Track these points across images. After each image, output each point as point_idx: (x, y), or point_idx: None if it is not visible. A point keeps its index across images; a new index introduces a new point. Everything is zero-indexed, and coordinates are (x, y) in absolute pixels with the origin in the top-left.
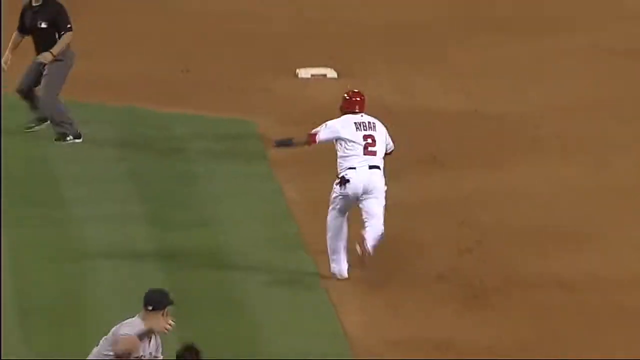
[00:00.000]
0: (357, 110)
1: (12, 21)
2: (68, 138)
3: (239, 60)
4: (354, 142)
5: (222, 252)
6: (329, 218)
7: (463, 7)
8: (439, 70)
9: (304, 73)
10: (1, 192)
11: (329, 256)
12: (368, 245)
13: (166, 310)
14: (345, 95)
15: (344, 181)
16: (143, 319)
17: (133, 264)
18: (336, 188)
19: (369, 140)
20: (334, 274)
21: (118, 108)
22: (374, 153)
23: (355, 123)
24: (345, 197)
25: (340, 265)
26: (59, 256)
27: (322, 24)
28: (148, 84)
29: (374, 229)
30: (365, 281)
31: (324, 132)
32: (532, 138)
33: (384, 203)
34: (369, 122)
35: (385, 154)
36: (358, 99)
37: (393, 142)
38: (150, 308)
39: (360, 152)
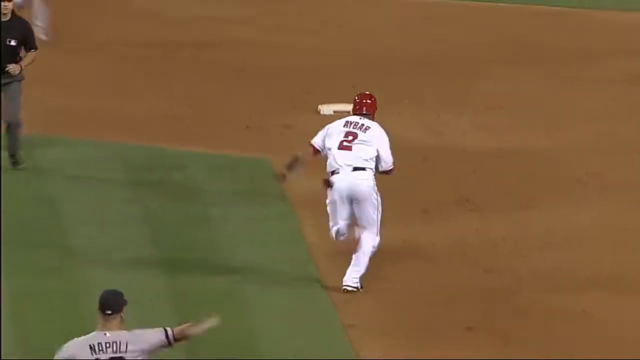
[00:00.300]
0: (365, 112)
1: None
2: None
3: (259, 96)
4: (335, 137)
5: (236, 290)
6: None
7: (492, 42)
8: (467, 106)
9: (326, 109)
10: (1, 235)
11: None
12: (351, 284)
13: (123, 311)
14: (355, 97)
15: (329, 184)
16: (104, 325)
17: (143, 312)
18: (329, 192)
19: (349, 137)
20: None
21: (131, 146)
22: (348, 148)
23: (346, 121)
24: (334, 201)
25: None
26: (62, 306)
27: (345, 58)
28: (163, 121)
29: (354, 265)
30: (389, 332)
31: (318, 135)
32: (567, 178)
33: (375, 207)
34: (362, 124)
35: (381, 171)
36: (364, 100)
37: (393, 162)
38: (109, 312)
39: (336, 148)
